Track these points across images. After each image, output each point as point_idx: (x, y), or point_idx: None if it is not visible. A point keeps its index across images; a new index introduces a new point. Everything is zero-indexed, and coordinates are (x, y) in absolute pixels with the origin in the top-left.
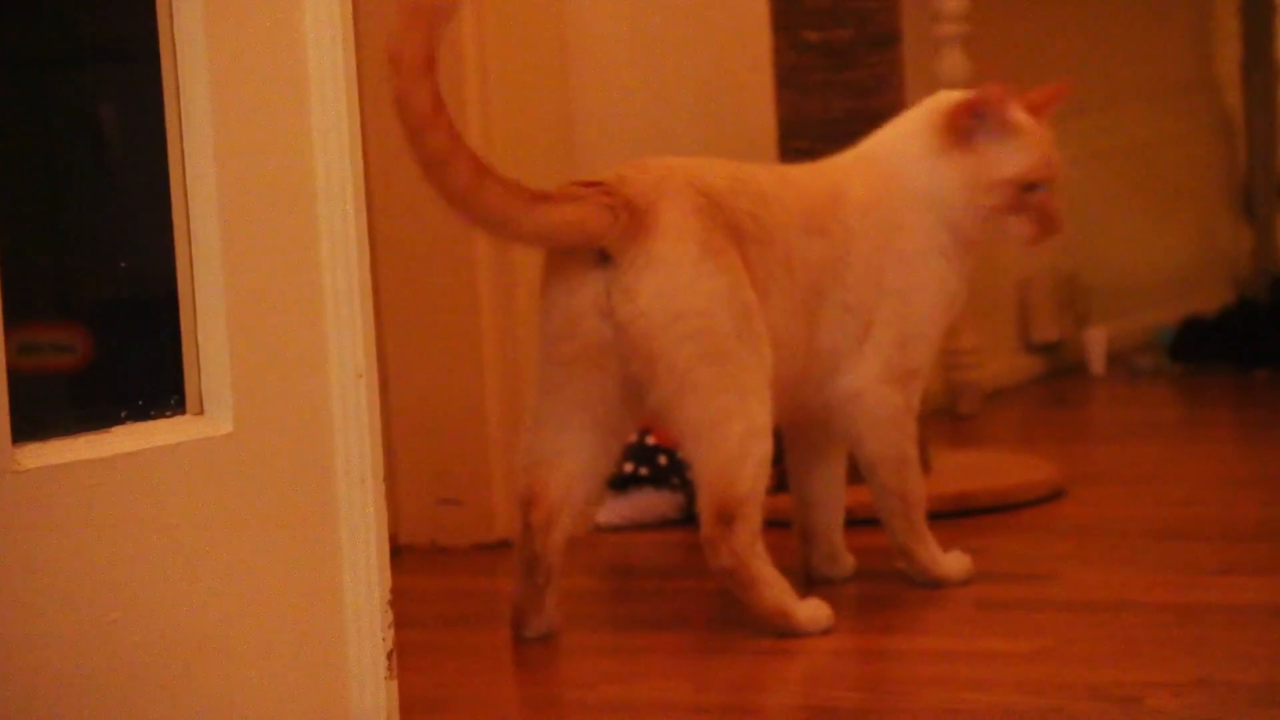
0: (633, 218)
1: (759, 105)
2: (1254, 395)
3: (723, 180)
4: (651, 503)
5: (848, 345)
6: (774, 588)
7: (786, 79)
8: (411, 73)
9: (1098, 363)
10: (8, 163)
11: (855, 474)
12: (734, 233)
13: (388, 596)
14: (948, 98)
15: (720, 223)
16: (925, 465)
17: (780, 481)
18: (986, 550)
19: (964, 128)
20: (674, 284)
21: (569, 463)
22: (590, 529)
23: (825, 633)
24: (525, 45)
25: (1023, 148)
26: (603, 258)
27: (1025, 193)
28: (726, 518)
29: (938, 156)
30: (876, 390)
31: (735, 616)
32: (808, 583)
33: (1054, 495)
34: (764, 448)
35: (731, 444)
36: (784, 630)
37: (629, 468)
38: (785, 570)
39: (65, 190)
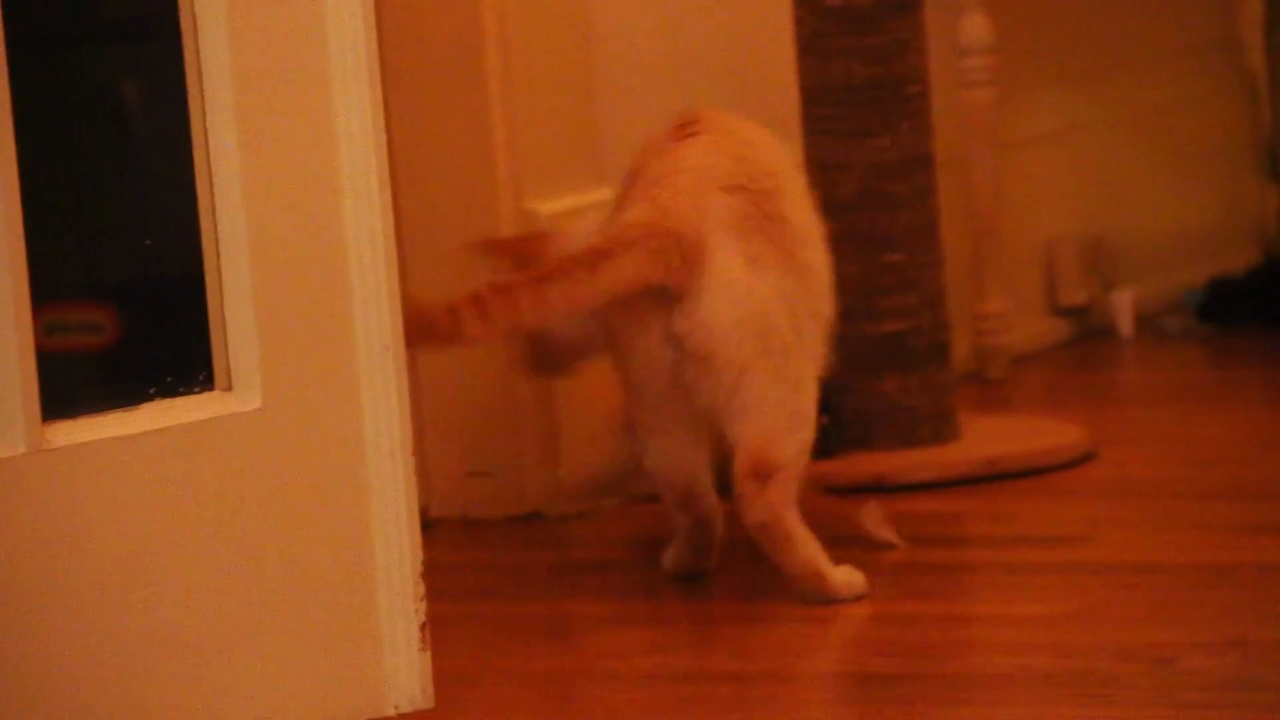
0: (684, 256)
1: (780, 73)
2: None
3: (739, 176)
4: None
5: None
6: (809, 546)
7: (807, 45)
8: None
9: (1125, 325)
10: (32, 143)
11: (882, 443)
12: (762, 221)
13: (420, 569)
14: None
15: (754, 219)
16: (955, 431)
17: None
18: (1017, 515)
19: None
20: (731, 298)
21: (694, 459)
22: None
23: (859, 599)
24: (547, 14)
25: None
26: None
27: None
28: (763, 475)
29: None
30: None
31: (770, 584)
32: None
33: (1084, 458)
34: (808, 433)
35: (779, 420)
36: (818, 592)
37: None
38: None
39: (90, 170)
